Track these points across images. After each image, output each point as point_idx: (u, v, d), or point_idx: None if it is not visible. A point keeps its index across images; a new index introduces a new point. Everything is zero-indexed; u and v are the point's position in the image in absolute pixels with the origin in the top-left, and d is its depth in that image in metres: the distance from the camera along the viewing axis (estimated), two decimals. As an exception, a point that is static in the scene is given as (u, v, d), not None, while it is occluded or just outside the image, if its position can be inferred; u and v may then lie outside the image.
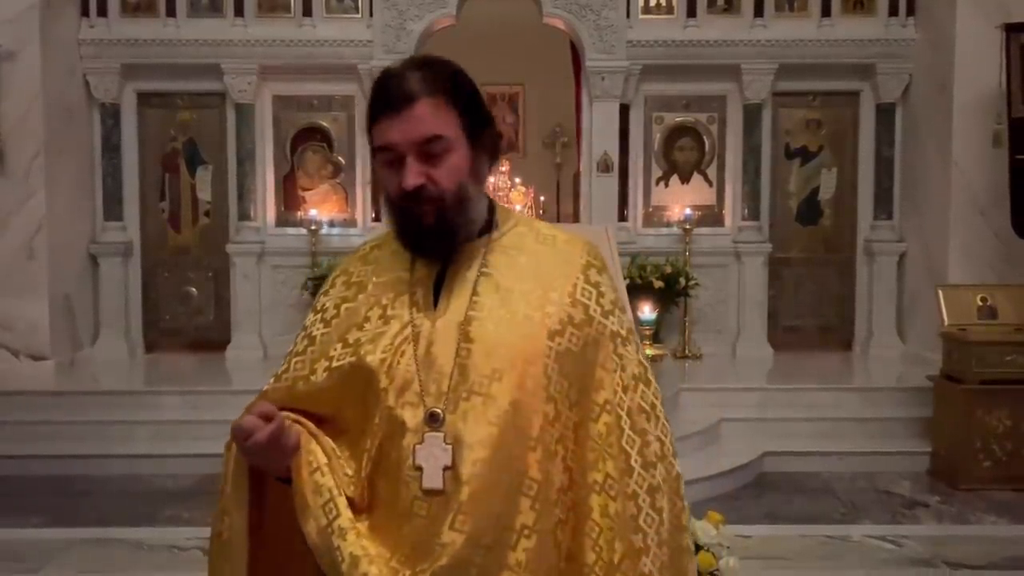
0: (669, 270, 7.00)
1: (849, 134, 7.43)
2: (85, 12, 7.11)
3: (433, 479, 1.37)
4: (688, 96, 7.42)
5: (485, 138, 1.50)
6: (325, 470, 1.43)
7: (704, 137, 7.45)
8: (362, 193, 7.43)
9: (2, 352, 6.50)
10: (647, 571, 1.43)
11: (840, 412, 5.87)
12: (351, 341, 1.48)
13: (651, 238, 7.35)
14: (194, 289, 7.53)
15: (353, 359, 1.46)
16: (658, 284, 6.86)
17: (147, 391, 6.42)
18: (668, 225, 7.41)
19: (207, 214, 7.50)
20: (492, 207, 1.56)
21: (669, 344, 7.08)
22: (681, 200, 7.39)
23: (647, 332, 6.19)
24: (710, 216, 7.44)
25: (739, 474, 5.24)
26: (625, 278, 6.01)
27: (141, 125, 7.40)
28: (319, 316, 1.55)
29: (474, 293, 1.47)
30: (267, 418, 1.40)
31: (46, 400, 5.95)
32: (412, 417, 1.40)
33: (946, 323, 5.46)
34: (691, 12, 7.23)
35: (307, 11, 7.24)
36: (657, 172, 7.48)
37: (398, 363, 1.43)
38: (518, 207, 9.22)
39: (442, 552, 1.36)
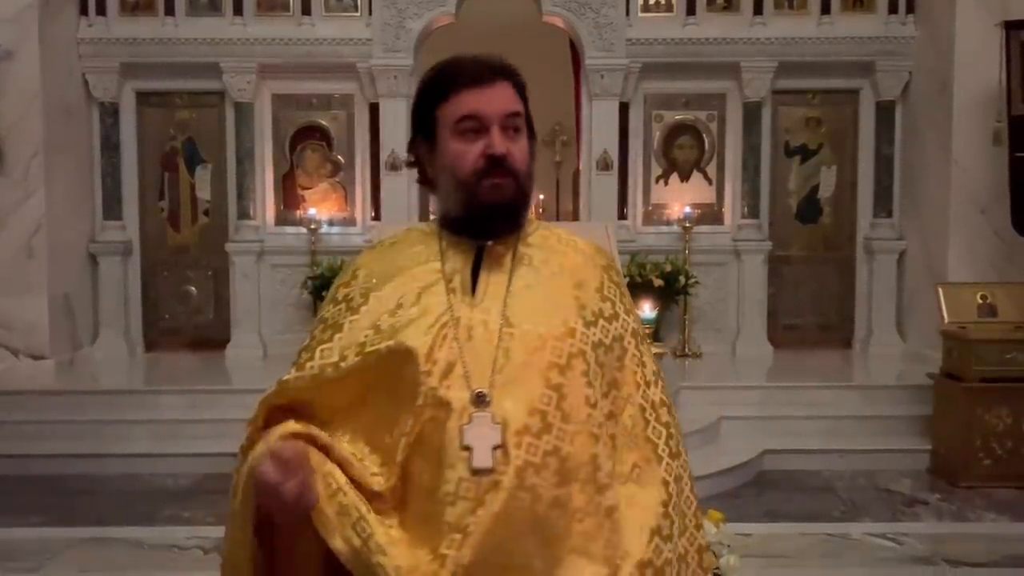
0: (669, 268, 7.00)
1: (849, 132, 7.43)
2: (84, 11, 7.11)
3: (483, 458, 1.39)
4: (688, 94, 7.41)
5: (534, 138, 1.57)
6: (347, 489, 1.42)
7: (704, 135, 7.45)
8: (361, 192, 7.43)
9: (2, 351, 6.50)
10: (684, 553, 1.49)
11: (840, 410, 5.87)
12: (383, 327, 1.48)
13: (651, 236, 7.35)
14: (193, 288, 7.53)
15: (391, 343, 1.45)
16: (658, 282, 6.86)
17: (147, 390, 6.41)
18: (668, 223, 7.41)
19: (206, 213, 7.49)
20: None
21: (669, 342, 7.08)
22: (681, 198, 7.38)
23: (647, 331, 6.17)
24: (710, 214, 7.44)
25: (739, 472, 5.24)
26: (625, 276, 6.00)
27: (140, 124, 7.40)
28: (343, 306, 1.54)
29: (511, 281, 1.51)
30: (289, 462, 1.36)
31: (46, 399, 5.94)
32: (459, 399, 1.41)
33: (946, 321, 5.46)
34: (690, 10, 7.23)
35: (306, 10, 7.23)
36: (657, 170, 7.48)
37: (440, 347, 1.44)
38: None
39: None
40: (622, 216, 7.30)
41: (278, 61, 7.20)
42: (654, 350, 1.68)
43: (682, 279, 7.02)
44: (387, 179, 7.21)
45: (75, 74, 7.08)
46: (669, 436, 1.53)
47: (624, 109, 7.28)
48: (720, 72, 7.23)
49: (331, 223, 7.40)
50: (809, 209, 7.50)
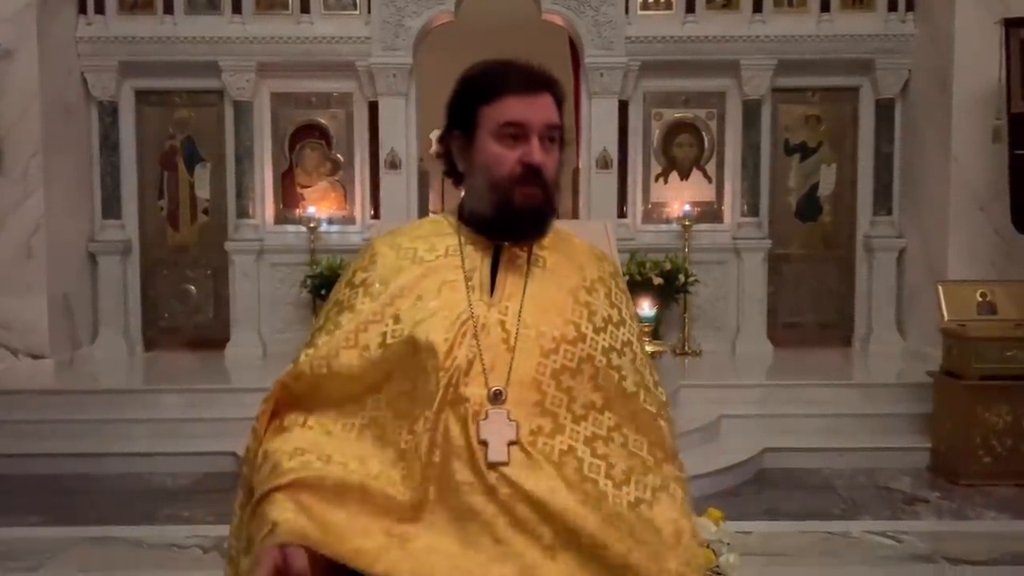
0: (668, 267, 6.99)
1: (848, 130, 7.43)
2: (83, 10, 7.10)
3: (498, 452, 1.43)
4: (687, 92, 7.41)
5: (564, 144, 1.63)
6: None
7: (703, 133, 7.44)
8: (361, 190, 7.42)
9: (1, 351, 6.49)
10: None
11: (840, 408, 5.87)
12: (404, 318, 1.51)
13: (650, 235, 7.35)
14: (193, 287, 7.52)
15: (410, 334, 1.48)
16: (657, 281, 6.85)
17: (146, 389, 6.40)
18: (667, 221, 7.40)
19: (206, 212, 7.49)
20: None
21: (669, 341, 7.08)
22: (680, 196, 7.38)
23: (647, 329, 6.18)
24: (709, 212, 7.43)
25: (739, 470, 5.24)
26: (624, 275, 5.99)
27: (139, 123, 7.40)
28: (360, 290, 1.56)
29: (528, 283, 1.55)
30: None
31: (45, 399, 5.94)
32: (477, 395, 1.45)
33: (946, 319, 5.46)
34: (690, 8, 7.22)
35: (305, 8, 7.23)
36: (656, 168, 7.47)
37: (460, 344, 1.47)
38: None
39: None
40: (622, 214, 7.30)
41: (277, 60, 7.19)
42: (653, 348, 1.72)
43: (682, 277, 7.02)
44: (386, 177, 7.21)
45: (74, 73, 7.07)
46: (671, 435, 1.60)
47: (623, 107, 7.27)
48: (720, 70, 7.22)
49: (330, 222, 7.39)
50: (809, 207, 7.50)
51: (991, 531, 4.47)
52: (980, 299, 5.53)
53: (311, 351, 1.54)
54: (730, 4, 7.25)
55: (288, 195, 7.46)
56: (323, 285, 6.66)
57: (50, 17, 6.68)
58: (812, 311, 7.55)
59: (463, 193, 1.64)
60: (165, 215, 7.48)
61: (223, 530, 1.57)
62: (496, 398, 1.44)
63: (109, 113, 7.24)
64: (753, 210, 7.34)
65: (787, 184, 7.50)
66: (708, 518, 2.87)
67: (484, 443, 1.43)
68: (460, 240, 1.58)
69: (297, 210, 7.43)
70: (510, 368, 1.46)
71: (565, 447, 1.46)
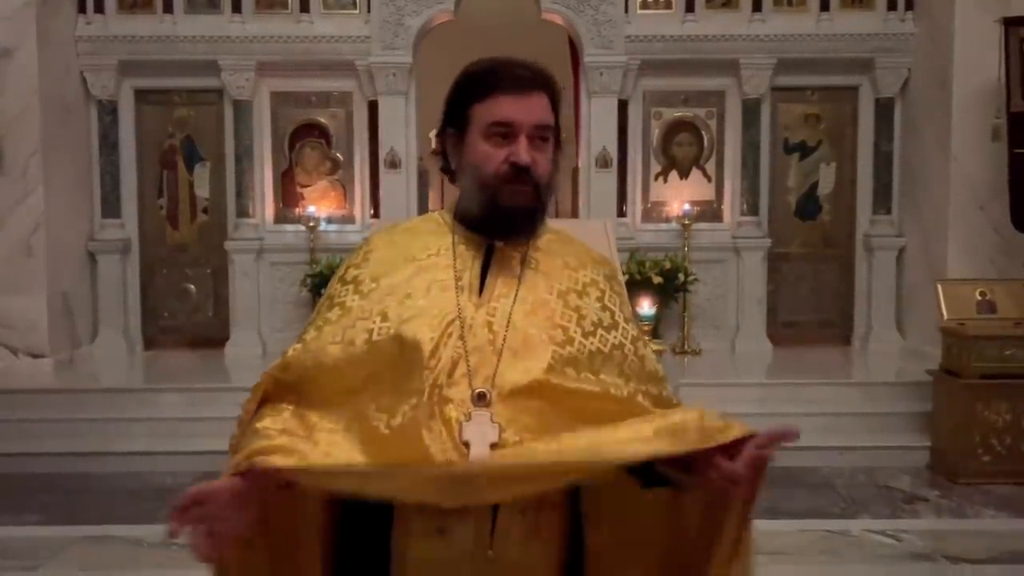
0: (668, 266, 6.99)
1: (848, 129, 7.43)
2: (82, 9, 7.10)
3: (480, 455, 1.42)
4: (687, 91, 7.40)
5: (560, 150, 1.61)
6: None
7: (703, 132, 7.44)
8: (360, 189, 7.42)
9: (1, 350, 6.49)
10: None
11: (840, 407, 5.87)
12: (391, 316, 1.50)
13: (650, 234, 7.35)
14: (193, 286, 7.52)
15: (396, 332, 1.48)
16: (657, 280, 6.85)
17: (146, 388, 6.41)
18: (667, 221, 7.40)
19: (205, 211, 7.49)
20: None
21: (668, 340, 7.08)
22: (680, 195, 7.38)
23: (646, 328, 6.18)
24: (709, 211, 7.43)
25: (739, 469, 5.23)
26: (624, 274, 6.00)
27: (139, 122, 7.39)
28: (351, 287, 1.57)
29: (519, 284, 1.54)
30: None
31: (45, 398, 5.94)
32: (460, 396, 1.44)
33: (945, 318, 5.46)
34: (689, 7, 7.22)
35: (304, 7, 7.22)
36: (656, 167, 7.47)
37: (446, 344, 1.46)
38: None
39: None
40: (621, 213, 7.30)
41: (277, 59, 7.19)
42: (653, 347, 1.70)
43: (681, 276, 7.02)
44: (386, 176, 7.20)
45: (73, 72, 7.07)
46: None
47: (623, 106, 7.27)
48: (719, 69, 7.22)
49: (330, 221, 7.39)
50: (808, 206, 7.50)
51: (990, 529, 4.48)
52: (979, 298, 5.53)
53: (299, 346, 1.55)
54: (729, 3, 7.25)
55: (288, 194, 7.46)
56: (323, 284, 6.66)
57: (49, 16, 6.68)
58: (812, 310, 7.55)
59: (459, 190, 1.64)
60: (165, 214, 7.48)
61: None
62: (480, 400, 1.43)
63: (109, 112, 7.24)
64: (753, 209, 7.34)
65: (787, 183, 7.50)
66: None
67: (466, 444, 1.42)
68: (453, 239, 1.58)
69: (297, 209, 7.42)
70: (496, 370, 1.45)
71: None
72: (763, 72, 7.20)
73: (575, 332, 1.51)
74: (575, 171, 7.72)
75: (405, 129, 7.23)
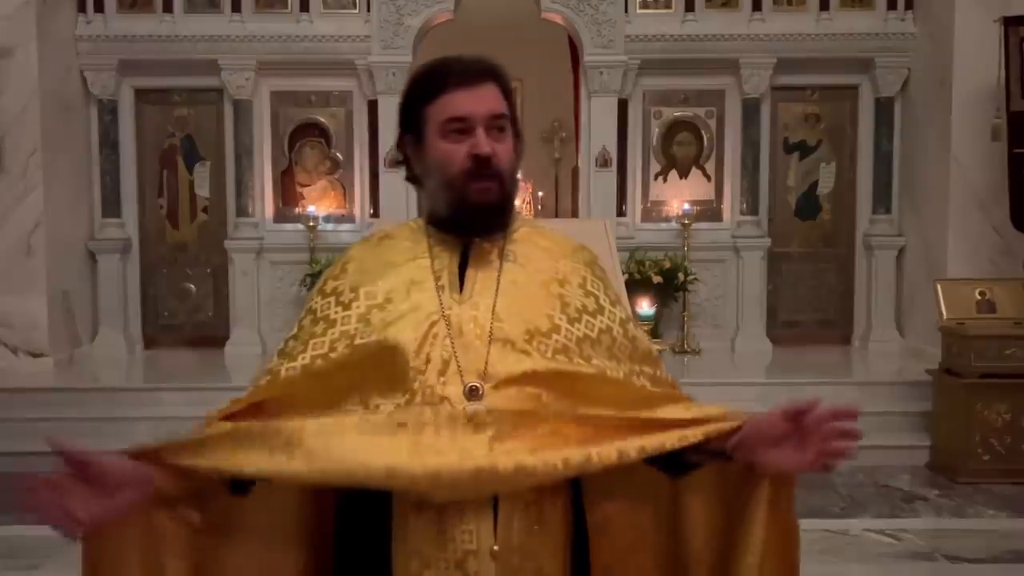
0: (668, 265, 6.99)
1: (848, 128, 7.43)
2: (82, 8, 7.10)
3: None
4: (686, 91, 7.41)
5: (520, 138, 1.59)
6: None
7: (702, 132, 7.44)
8: (360, 189, 7.42)
9: (1, 349, 6.49)
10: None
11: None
12: (373, 321, 1.49)
13: (650, 233, 7.35)
14: (192, 285, 7.52)
15: (379, 337, 1.47)
16: (657, 279, 6.86)
17: (146, 388, 6.41)
18: (667, 220, 7.40)
19: (205, 210, 7.49)
20: None
21: (668, 339, 7.08)
22: (680, 195, 7.38)
23: (646, 327, 6.18)
24: (709, 211, 7.44)
25: (738, 469, 5.24)
26: (624, 273, 6.00)
27: (139, 121, 7.39)
28: (332, 299, 1.56)
29: (500, 277, 1.53)
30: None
31: (45, 397, 5.94)
32: (455, 394, 1.43)
33: (945, 317, 5.46)
34: (689, 6, 7.22)
35: (304, 7, 7.22)
36: (656, 167, 7.47)
37: (432, 343, 1.46)
38: (516, 202, 9.20)
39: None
40: (621, 213, 7.30)
41: (276, 58, 7.19)
42: (653, 347, 1.70)
43: (681, 276, 7.02)
44: (386, 176, 7.20)
45: (73, 71, 7.07)
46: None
47: (623, 106, 7.27)
48: (719, 68, 7.22)
49: (329, 220, 7.39)
50: (808, 205, 7.50)
51: (990, 529, 4.49)
52: (979, 297, 5.53)
53: (285, 361, 1.55)
54: (729, 3, 7.25)
55: (287, 193, 7.46)
56: (323, 283, 6.65)
57: (49, 15, 6.68)
58: (811, 309, 7.55)
59: (425, 195, 1.62)
60: (165, 213, 7.48)
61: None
62: (472, 394, 1.43)
63: (109, 111, 7.24)
64: (752, 208, 7.34)
65: (786, 182, 7.50)
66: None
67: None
68: (428, 242, 1.57)
69: (297, 208, 7.43)
70: (485, 364, 1.45)
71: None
72: (763, 72, 7.20)
73: (560, 320, 1.51)
74: (575, 170, 7.71)
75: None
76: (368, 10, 7.16)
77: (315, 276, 6.87)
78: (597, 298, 1.58)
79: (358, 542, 1.52)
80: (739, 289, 7.34)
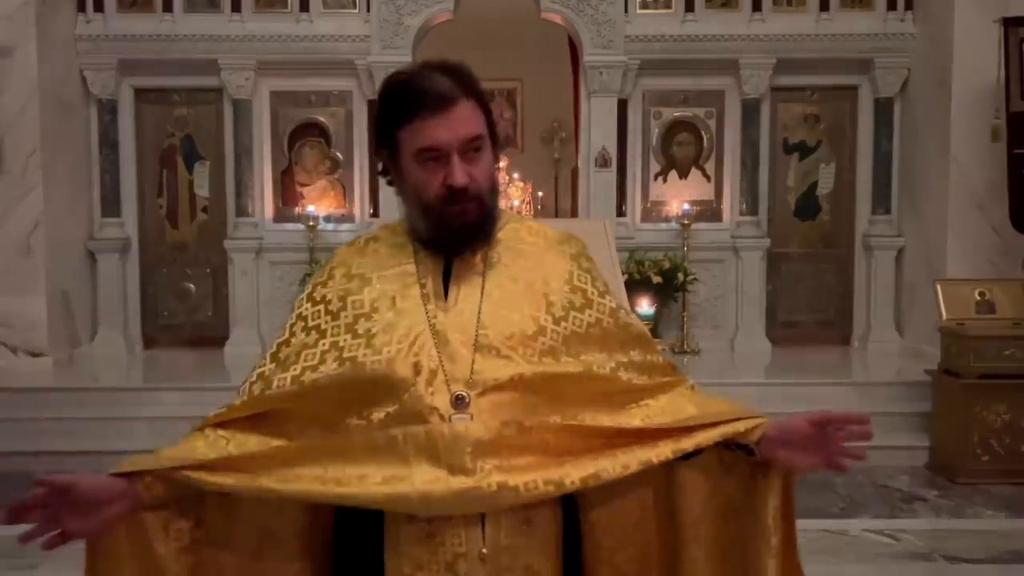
0: (667, 265, 6.99)
1: (847, 129, 7.43)
2: (82, 7, 7.10)
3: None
4: (686, 91, 7.41)
5: (497, 138, 1.57)
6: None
7: (702, 132, 7.44)
8: (360, 188, 7.42)
9: (1, 349, 6.49)
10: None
11: (838, 407, 5.76)
12: (361, 332, 1.50)
13: (649, 233, 7.35)
14: (192, 285, 7.52)
15: (367, 350, 1.47)
16: (656, 279, 6.86)
17: (145, 388, 6.41)
18: (666, 220, 7.41)
19: (205, 210, 7.49)
20: None
21: (667, 339, 7.08)
22: (679, 195, 7.38)
23: (645, 327, 6.17)
24: (708, 211, 7.44)
25: (738, 469, 5.24)
26: (623, 273, 6.00)
27: (138, 121, 7.39)
28: (321, 307, 1.56)
29: (484, 283, 1.53)
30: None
31: (44, 396, 5.94)
32: (440, 402, 1.43)
33: (944, 318, 5.46)
34: (689, 7, 7.22)
35: (304, 6, 7.22)
36: (655, 167, 7.47)
37: (419, 352, 1.46)
38: (516, 202, 9.22)
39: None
40: (620, 213, 7.30)
41: (276, 58, 7.19)
42: (646, 330, 1.70)
43: (681, 276, 7.02)
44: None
45: (73, 71, 7.07)
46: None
47: (623, 106, 7.27)
48: (719, 69, 7.22)
49: (329, 220, 7.39)
50: (808, 206, 7.51)
51: (989, 529, 4.49)
52: (978, 298, 5.53)
53: (277, 370, 1.55)
54: (729, 3, 7.25)
55: (287, 193, 7.46)
56: (322, 283, 6.65)
57: (49, 15, 6.68)
58: (811, 310, 7.55)
59: (405, 208, 1.62)
60: (164, 213, 7.48)
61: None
62: (459, 403, 1.43)
63: (108, 111, 7.24)
64: (752, 209, 7.34)
65: (786, 183, 7.50)
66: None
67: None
68: (414, 246, 1.58)
69: (296, 208, 7.43)
70: (471, 372, 1.45)
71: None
72: (763, 72, 7.20)
73: (546, 321, 1.51)
74: (575, 171, 7.71)
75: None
76: (368, 10, 7.16)
77: (311, 279, 6.87)
78: (584, 291, 1.58)
79: (354, 546, 1.52)
80: (738, 289, 7.34)
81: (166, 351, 7.45)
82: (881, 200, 7.32)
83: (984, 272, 6.12)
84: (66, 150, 6.89)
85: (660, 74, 7.28)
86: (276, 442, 1.51)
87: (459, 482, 1.37)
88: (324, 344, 1.52)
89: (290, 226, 7.39)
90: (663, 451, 1.48)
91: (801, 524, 1.59)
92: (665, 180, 7.47)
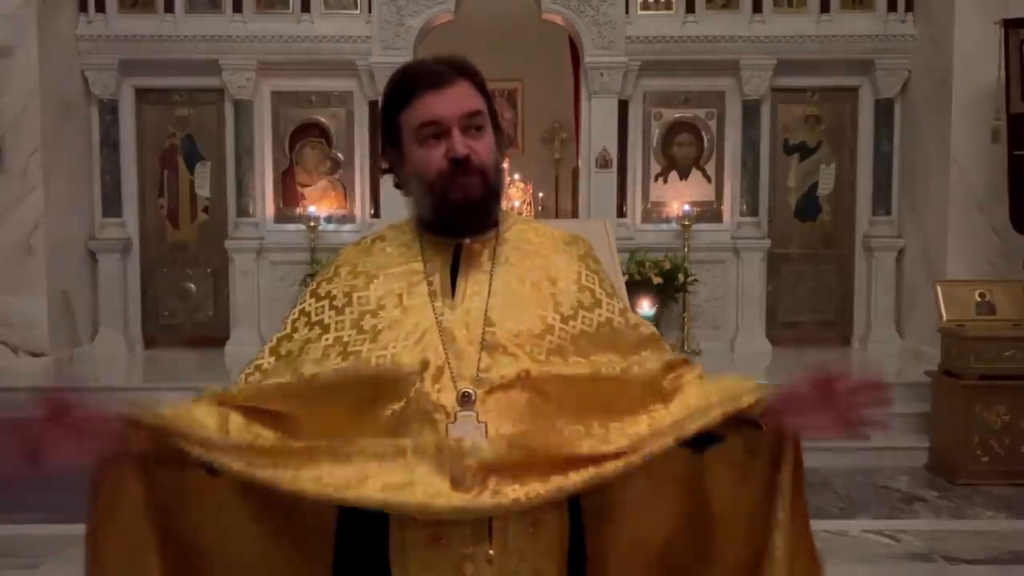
0: (668, 266, 7.00)
1: (848, 130, 7.44)
2: (83, 7, 7.11)
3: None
4: (687, 92, 7.41)
5: (501, 130, 1.58)
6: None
7: (703, 133, 7.45)
8: (361, 189, 7.43)
9: (1, 348, 6.50)
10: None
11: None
12: (366, 328, 1.49)
13: (650, 234, 7.35)
14: (193, 285, 7.53)
15: (372, 345, 1.47)
16: (657, 280, 6.86)
17: (146, 388, 6.40)
18: (667, 221, 7.41)
19: (206, 210, 7.50)
20: None
21: (668, 340, 6.98)
22: (680, 196, 7.39)
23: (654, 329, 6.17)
24: (709, 212, 7.44)
25: (737, 469, 5.24)
26: (624, 274, 6.01)
27: (139, 121, 7.40)
28: (326, 303, 1.56)
29: (491, 281, 1.52)
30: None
31: (45, 397, 5.93)
32: (447, 399, 1.43)
33: (944, 319, 5.46)
34: (690, 8, 7.23)
35: (305, 7, 7.23)
36: (656, 168, 7.47)
37: (425, 349, 1.46)
38: (516, 203, 9.22)
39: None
40: (621, 214, 7.31)
41: (277, 58, 7.20)
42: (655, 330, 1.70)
43: (681, 277, 7.03)
44: (386, 176, 7.18)
45: (74, 71, 7.07)
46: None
47: (623, 107, 7.28)
48: (719, 70, 7.23)
49: (330, 220, 7.40)
50: (808, 207, 7.51)
51: (988, 530, 4.48)
52: (979, 299, 5.53)
53: (281, 366, 1.54)
54: (730, 4, 7.26)
55: (288, 193, 7.47)
56: (323, 283, 6.66)
57: (50, 15, 6.68)
58: (811, 310, 7.55)
59: (412, 201, 1.62)
60: (165, 213, 7.49)
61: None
62: (465, 400, 1.42)
63: (109, 111, 7.25)
64: (752, 210, 7.35)
65: (786, 184, 7.51)
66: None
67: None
68: (420, 245, 1.57)
69: (297, 208, 7.43)
70: (478, 369, 1.44)
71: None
72: (763, 73, 7.21)
73: (554, 319, 1.50)
74: (575, 171, 7.72)
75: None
76: (369, 11, 7.17)
77: (315, 276, 6.88)
78: (593, 292, 1.57)
79: (359, 544, 1.52)
80: (739, 290, 7.35)
81: (167, 351, 7.45)
82: (881, 201, 7.33)
83: (984, 273, 6.12)
84: (67, 150, 6.89)
85: (661, 75, 7.28)
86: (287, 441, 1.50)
87: (460, 498, 1.36)
88: (327, 339, 1.51)
89: (291, 226, 7.39)
90: (665, 440, 1.46)
91: (801, 524, 1.58)
92: (666, 181, 7.48)
